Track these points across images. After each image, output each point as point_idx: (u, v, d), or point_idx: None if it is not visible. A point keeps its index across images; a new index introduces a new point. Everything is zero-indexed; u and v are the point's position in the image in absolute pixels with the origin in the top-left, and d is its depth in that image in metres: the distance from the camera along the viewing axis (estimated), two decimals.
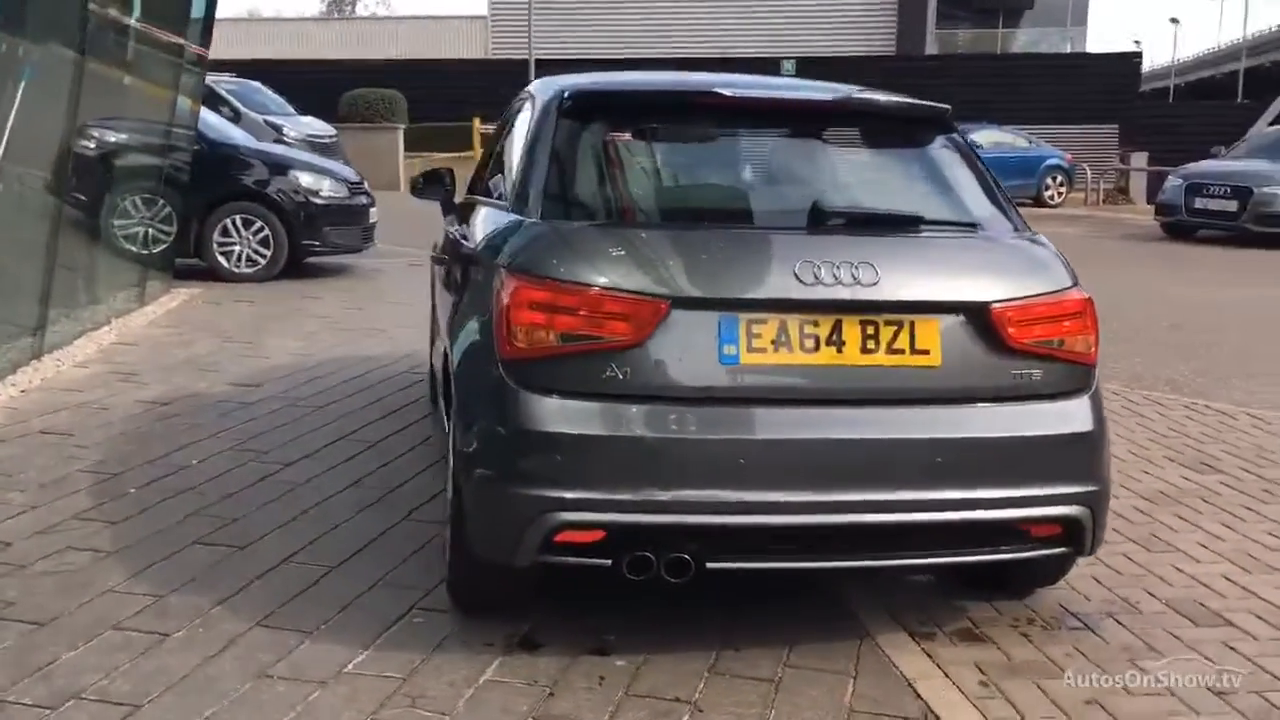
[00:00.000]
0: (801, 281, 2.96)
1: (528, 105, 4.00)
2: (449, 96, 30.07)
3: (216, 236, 9.99)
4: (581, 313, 2.96)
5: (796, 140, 3.58)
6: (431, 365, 5.74)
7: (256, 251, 10.05)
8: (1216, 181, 15.64)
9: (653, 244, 3.07)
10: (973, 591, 3.63)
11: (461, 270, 3.87)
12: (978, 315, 3.06)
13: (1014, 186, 20.95)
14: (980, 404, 3.06)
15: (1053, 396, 3.14)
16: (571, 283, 2.98)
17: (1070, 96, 27.87)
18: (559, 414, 2.96)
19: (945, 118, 3.55)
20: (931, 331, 3.03)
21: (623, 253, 3.02)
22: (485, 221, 3.78)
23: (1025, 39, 48.00)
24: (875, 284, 2.98)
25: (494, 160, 4.33)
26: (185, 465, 4.80)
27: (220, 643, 3.21)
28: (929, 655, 3.24)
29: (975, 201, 3.38)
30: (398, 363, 6.90)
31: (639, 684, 3.04)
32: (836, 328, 2.99)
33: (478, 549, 3.14)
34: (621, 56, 31.37)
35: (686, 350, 2.96)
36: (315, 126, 20.91)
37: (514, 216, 3.36)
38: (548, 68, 30.84)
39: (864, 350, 3.00)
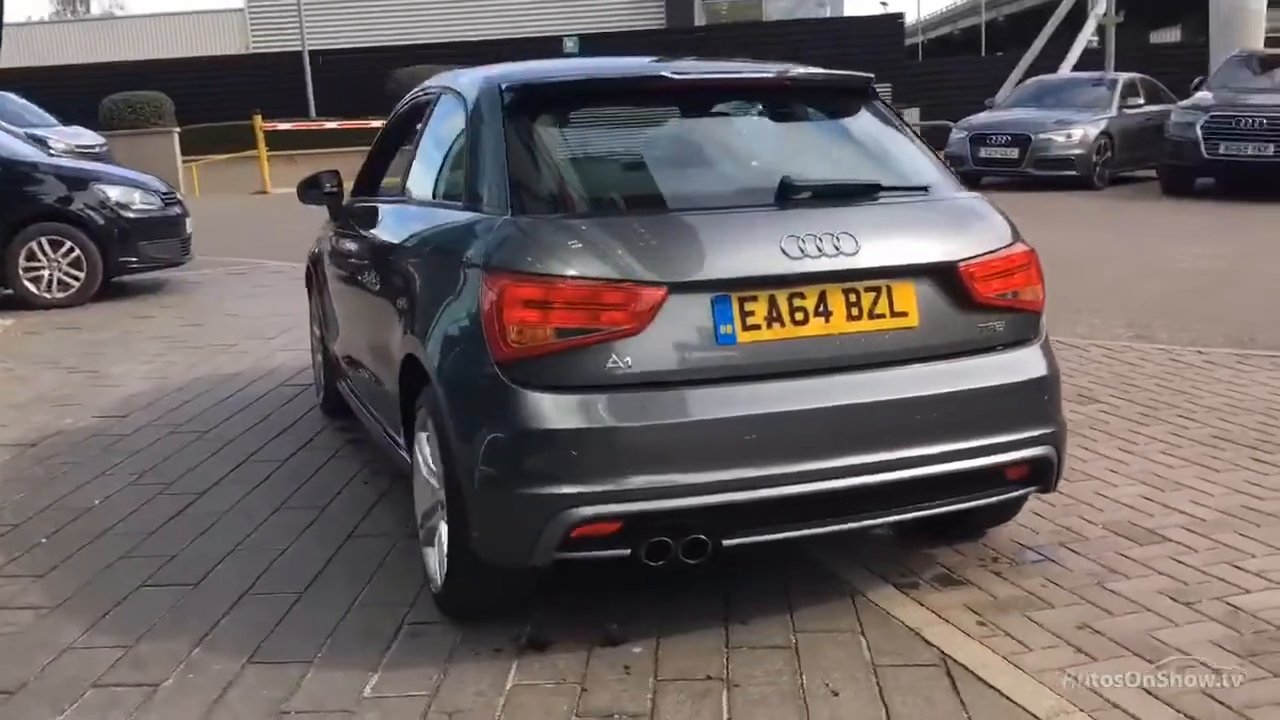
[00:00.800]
0: (789, 256, 3.02)
1: (449, 100, 3.92)
2: (215, 95, 28.86)
3: (22, 261, 9.34)
4: (579, 306, 2.94)
5: (745, 119, 3.64)
6: (327, 377, 5.55)
7: (68, 274, 9.44)
8: (997, 131, 16.64)
9: (640, 231, 3.07)
10: (931, 538, 3.80)
11: (401, 276, 3.75)
12: (947, 275, 3.20)
13: None
14: (956, 359, 3.21)
15: (1013, 345, 3.32)
16: (565, 277, 2.96)
17: (842, 59, 28.84)
18: (565, 409, 2.94)
19: (870, 87, 3.68)
20: (908, 294, 3.15)
21: (612, 242, 3.02)
22: (430, 222, 3.70)
23: (785, 5, 49.60)
24: (856, 253, 3.07)
25: (407, 159, 4.20)
26: (88, 507, 4.51)
27: (218, 686, 3.05)
28: (920, 603, 3.38)
29: (918, 165, 3.53)
30: (265, 378, 6.64)
31: (665, 668, 3.06)
32: (822, 299, 3.07)
33: (489, 554, 3.09)
34: (398, 44, 30.78)
35: (685, 334, 2.99)
36: (84, 136, 19.73)
37: (477, 215, 3.30)
38: (324, 60, 29.99)
39: (849, 318, 3.10)
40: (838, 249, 3.06)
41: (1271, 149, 14.11)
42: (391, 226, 4.05)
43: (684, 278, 2.98)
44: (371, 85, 29.48)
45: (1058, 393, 3.40)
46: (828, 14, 46.22)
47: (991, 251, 3.28)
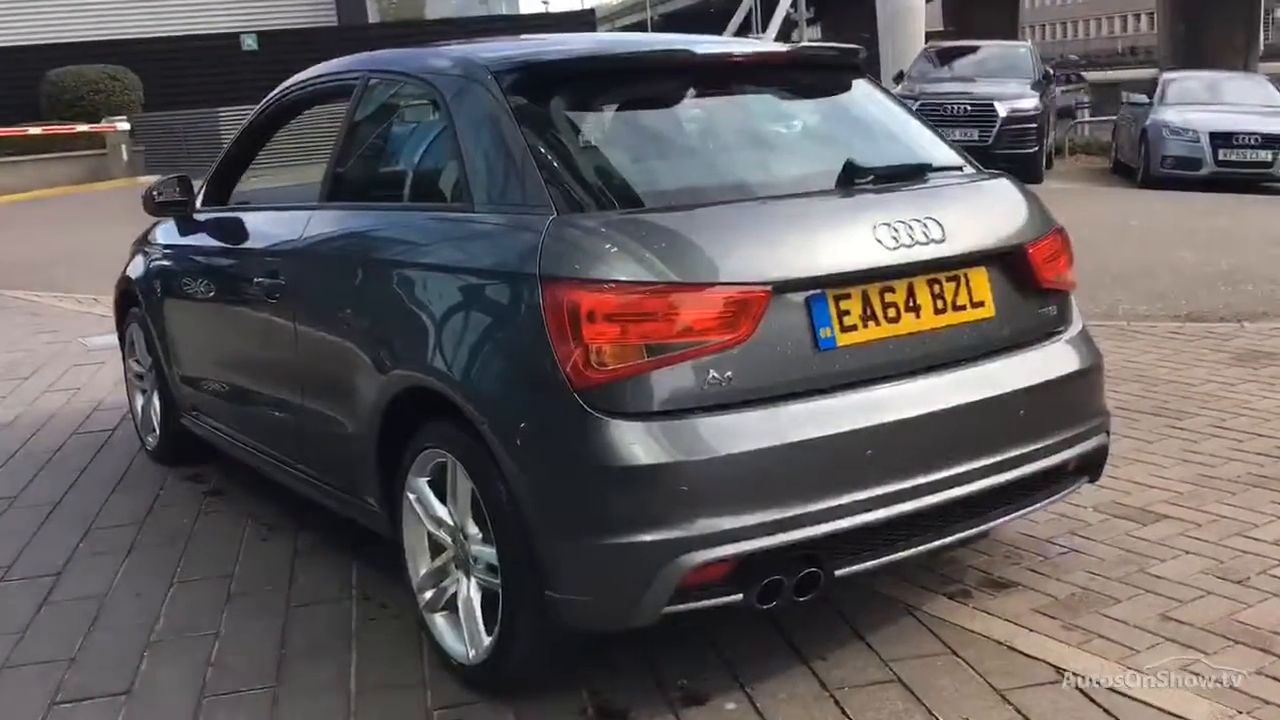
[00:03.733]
0: (885, 246, 2.71)
1: (402, 87, 3.34)
2: None
3: None
4: (673, 317, 2.50)
5: (767, 97, 3.27)
6: (166, 417, 4.71)
7: None
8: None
9: (723, 225, 2.66)
10: None
11: (372, 297, 3.13)
12: (1016, 259, 2.99)
13: None
14: (1027, 349, 3.01)
15: (1062, 330, 3.16)
16: (653, 284, 2.51)
17: None
18: (666, 439, 2.50)
19: (861, 61, 3.43)
20: (982, 282, 2.92)
21: (697, 239, 2.60)
22: (411, 229, 3.10)
23: (455, 4, 49.03)
24: (943, 239, 2.80)
25: (333, 158, 3.53)
26: None
27: None
28: (987, 613, 3.16)
29: (933, 142, 3.31)
30: (48, 426, 5.60)
31: None
32: (910, 291, 2.79)
33: (579, 617, 2.60)
34: (50, 41, 27.92)
35: (784, 341, 2.62)
36: None
37: (499, 217, 2.77)
38: None
39: (935, 311, 2.83)
40: (928, 236, 2.78)
41: (976, 134, 15.08)
42: (333, 237, 3.38)
43: (784, 276, 2.61)
44: (20, 87, 26.61)
45: (1103, 377, 3.28)
46: (488, 12, 45.98)
47: (1048, 232, 3.10)
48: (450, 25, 32.79)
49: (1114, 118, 17.98)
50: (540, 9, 55.06)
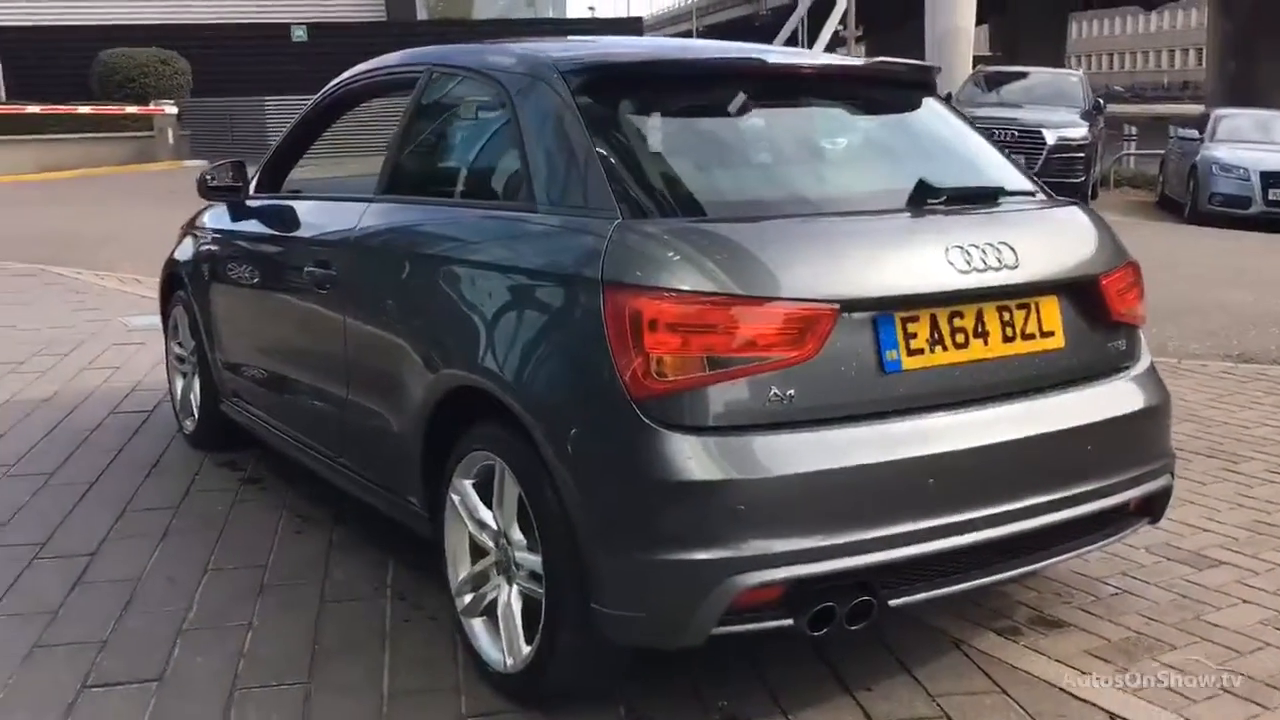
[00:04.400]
0: (957, 269, 2.64)
1: (466, 83, 3.30)
2: None
3: None
4: (738, 329, 2.44)
5: (839, 111, 3.19)
6: (206, 403, 4.68)
7: None
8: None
9: (794, 238, 2.60)
10: None
11: (423, 292, 3.08)
12: (1088, 289, 2.91)
13: None
14: (1097, 383, 2.92)
15: (1130, 366, 3.06)
16: (720, 295, 2.45)
17: None
18: (725, 455, 2.43)
19: (935, 79, 3.35)
20: (1053, 311, 2.84)
21: (767, 251, 2.53)
22: (469, 226, 3.05)
23: (502, 5, 49.18)
24: (1016, 265, 2.72)
25: (392, 151, 3.48)
26: None
27: None
28: (1037, 651, 3.07)
29: (1008, 166, 3.22)
30: (87, 404, 5.59)
31: None
32: (979, 318, 2.71)
33: (626, 633, 2.53)
34: (101, 23, 28.18)
35: (848, 361, 2.54)
36: None
37: (563, 219, 2.71)
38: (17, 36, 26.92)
39: (1004, 339, 2.74)
40: (1000, 261, 2.70)
41: (1022, 161, 14.85)
42: (388, 230, 3.33)
43: (853, 295, 2.54)
44: (71, 68, 26.85)
45: (1170, 417, 3.18)
46: (534, 15, 46.04)
47: (1121, 264, 3.01)
48: (497, 26, 32.84)
49: (1160, 151, 17.77)
50: (585, 14, 55.13)
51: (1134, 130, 20.26)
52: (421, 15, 37.78)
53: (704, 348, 2.43)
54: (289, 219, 3.95)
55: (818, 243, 2.60)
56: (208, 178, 4.22)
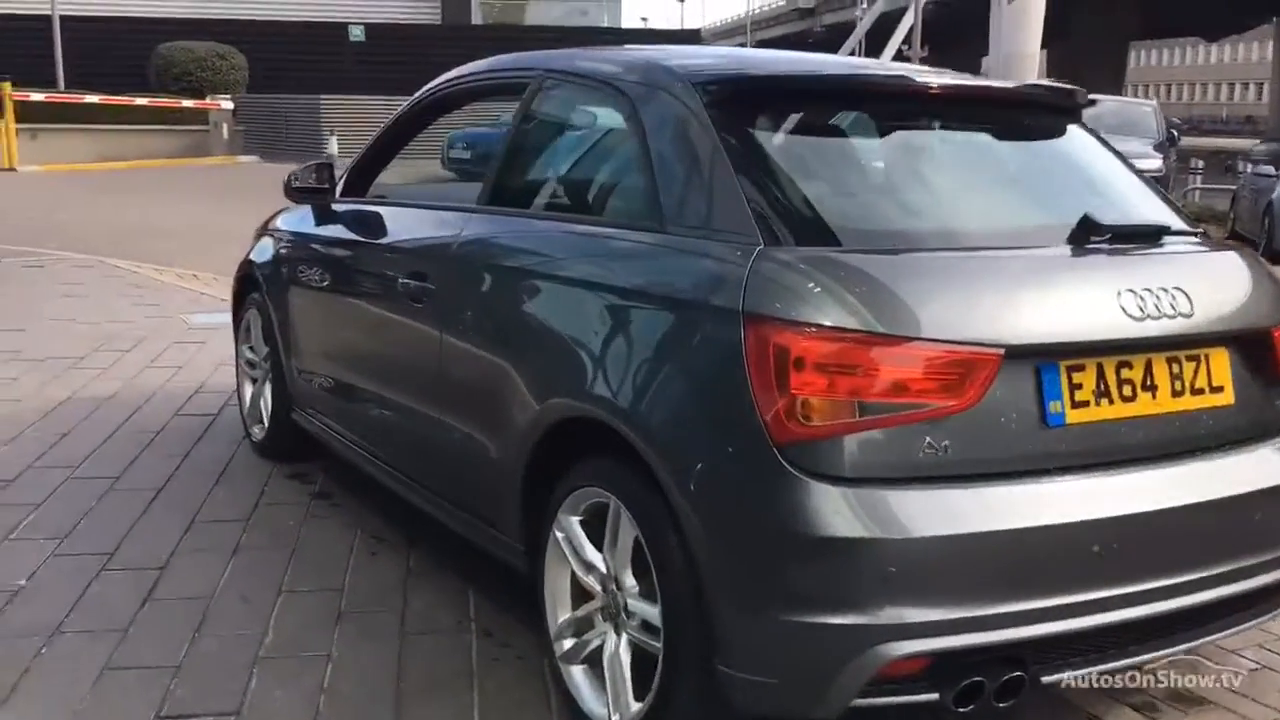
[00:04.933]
0: (1129, 315, 2.41)
1: (583, 91, 3.12)
2: None
3: None
4: (894, 372, 2.23)
5: (983, 136, 2.97)
6: (278, 410, 4.51)
7: None
8: None
9: (959, 276, 2.38)
10: None
11: (534, 311, 2.90)
12: (1260, 341, 2.67)
13: None
14: (1265, 444, 2.68)
15: None
16: (876, 334, 2.24)
17: None
18: (875, 511, 2.21)
19: (1085, 105, 3.12)
20: (1223, 364, 2.60)
21: (927, 287, 2.32)
22: (587, 245, 2.85)
23: (557, 14, 49.16)
24: (1190, 314, 2.49)
25: (498, 158, 3.30)
26: (14, 588, 3.38)
27: None
28: None
29: (1164, 203, 2.99)
30: (151, 404, 5.45)
31: None
32: (1148, 369, 2.48)
33: (755, 700, 2.32)
34: (160, 15, 28.36)
35: (1008, 411, 2.32)
36: None
37: (695, 242, 2.50)
38: (77, 25, 27.10)
39: (1173, 393, 2.51)
40: (1174, 309, 2.47)
41: None
42: (493, 243, 3.15)
43: (1018, 339, 2.32)
44: (128, 59, 27.04)
45: None
46: (589, 24, 45.99)
47: None
48: (556, 33, 32.76)
49: (1228, 186, 17.41)
50: (639, 24, 55.09)
51: (1200, 164, 19.88)
52: (476, 19, 37.84)
53: (855, 390, 2.23)
54: (380, 226, 3.78)
55: (982, 280, 2.38)
56: (294, 179, 4.06)
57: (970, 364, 2.25)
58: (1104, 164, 3.03)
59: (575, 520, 2.71)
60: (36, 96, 22.15)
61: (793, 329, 2.23)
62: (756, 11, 66.86)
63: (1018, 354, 2.31)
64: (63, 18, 26.59)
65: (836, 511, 2.20)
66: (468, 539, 3.28)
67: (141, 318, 7.52)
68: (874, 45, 32.36)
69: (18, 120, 21.44)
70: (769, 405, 2.23)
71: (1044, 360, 2.36)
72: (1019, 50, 26.81)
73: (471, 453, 3.09)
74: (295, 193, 4.07)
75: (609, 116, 3.02)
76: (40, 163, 21.50)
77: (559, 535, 2.75)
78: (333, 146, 23.47)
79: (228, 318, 7.39)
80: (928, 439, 2.25)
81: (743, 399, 2.26)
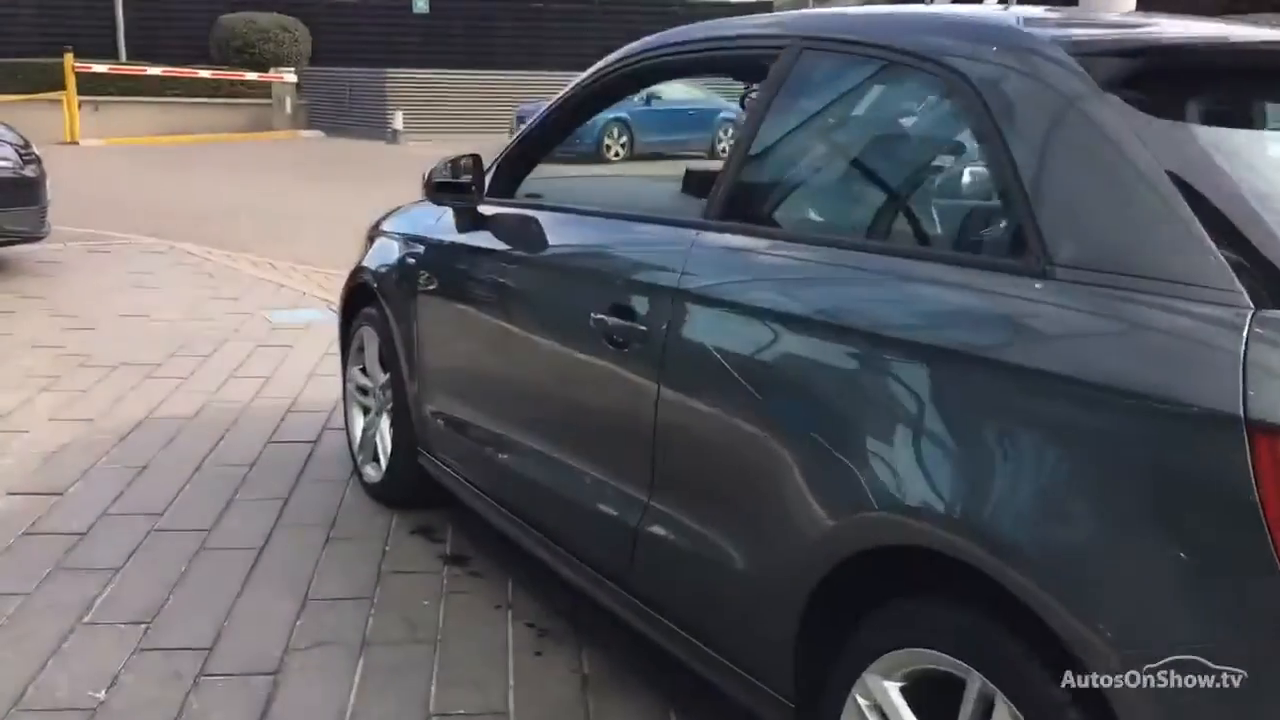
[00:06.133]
0: None
1: (862, 67, 2.28)
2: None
3: None
4: None
5: None
6: (399, 449, 3.74)
7: None
8: None
9: None
10: None
11: (840, 389, 2.02)
12: None
13: (695, 139, 20.31)
14: None
15: None
16: None
17: None
18: None
19: None
20: None
21: None
22: (904, 287, 1.97)
23: None
24: None
25: (737, 155, 2.45)
26: (95, 705, 2.62)
27: None
28: None
29: None
30: (238, 427, 4.70)
31: None
32: None
33: None
34: None
35: None
36: None
37: (1119, 297, 1.65)
38: None
39: None
40: None
41: None
42: (740, 276, 2.28)
43: None
44: (190, 31, 26.46)
45: None
46: None
47: None
48: (625, 6, 31.75)
49: None
50: None
51: None
52: None
53: None
54: (552, 237, 2.95)
55: None
56: (435, 174, 3.26)
57: None
58: None
59: (892, 687, 1.88)
60: (99, 68, 21.58)
61: None
62: None
63: None
64: None
65: None
66: (702, 674, 2.44)
67: (220, 314, 6.79)
68: None
69: (80, 93, 20.89)
70: None
71: None
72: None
73: (711, 564, 2.26)
74: (437, 190, 3.27)
75: (922, 101, 2.18)
76: (102, 136, 20.98)
77: (860, 702, 1.93)
78: (398, 121, 22.75)
79: (314, 315, 6.77)
80: None
81: (1247, 545, 1.43)
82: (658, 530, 2.43)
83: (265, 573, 3.36)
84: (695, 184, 3.02)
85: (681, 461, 2.37)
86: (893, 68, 2.19)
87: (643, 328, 2.43)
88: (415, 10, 28.74)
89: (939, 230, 2.11)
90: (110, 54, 25.08)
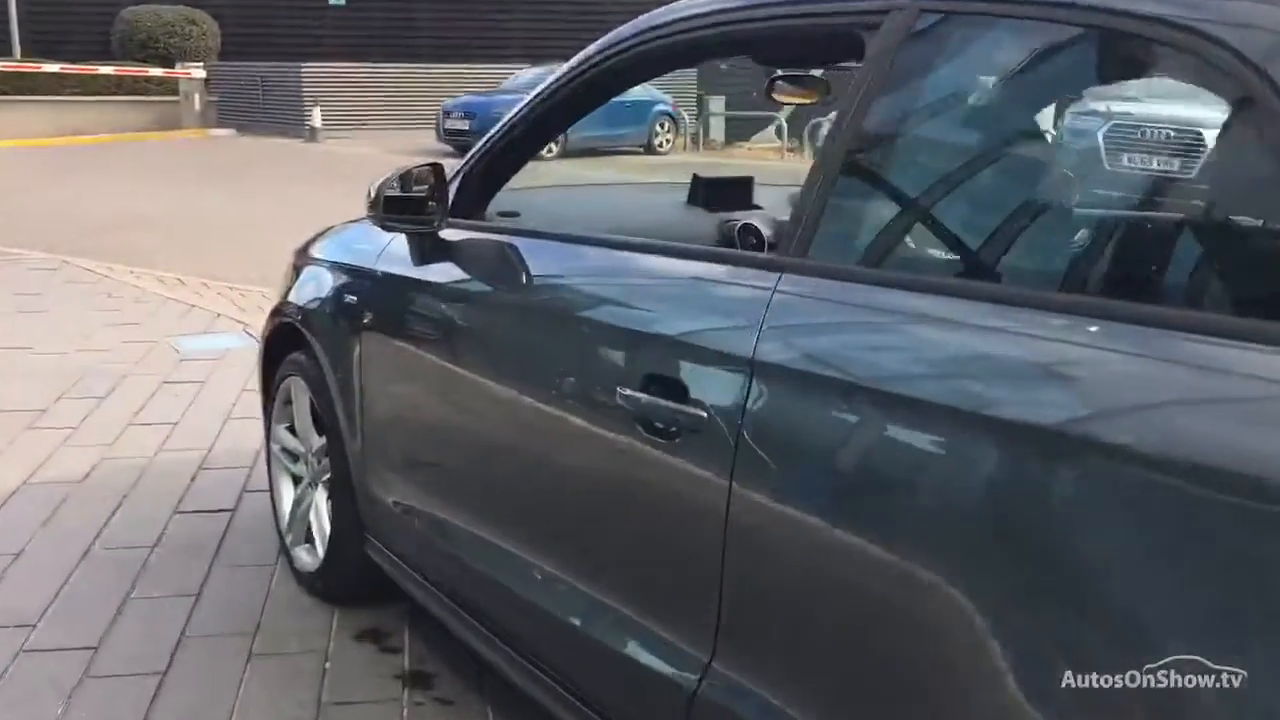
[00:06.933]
0: None
1: (1028, 38, 1.54)
2: None
3: None
4: None
5: None
6: (340, 536, 2.96)
7: None
8: None
9: None
10: None
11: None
12: None
13: (628, 135, 19.55)
14: None
15: None
16: None
17: None
18: None
19: None
20: None
21: None
22: (1104, 365, 1.23)
23: None
24: None
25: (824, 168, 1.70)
26: None
27: None
28: None
29: None
30: (137, 490, 3.88)
31: None
32: None
33: None
34: None
35: None
36: None
37: None
38: None
39: None
40: None
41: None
42: (844, 341, 1.54)
43: None
44: (91, 25, 25.15)
45: None
46: None
47: None
48: None
49: None
50: None
51: None
52: None
53: None
54: (548, 274, 2.20)
55: None
56: (383, 189, 2.48)
57: None
58: None
59: None
60: None
61: None
62: None
63: None
64: None
65: None
66: None
67: (119, 343, 5.91)
68: None
69: None
70: None
71: None
72: None
73: None
74: (386, 209, 2.48)
75: (1160, 88, 1.47)
76: None
77: None
78: (316, 118, 21.70)
79: (229, 342, 5.91)
80: None
81: None
82: (724, 704, 1.70)
83: (168, 712, 2.57)
84: (737, 200, 2.28)
85: (765, 609, 1.64)
86: (1092, 36, 1.47)
87: (700, 413, 1.69)
88: (330, 2, 27.67)
89: (1200, 283, 1.40)
90: (3, 50, 23.70)
